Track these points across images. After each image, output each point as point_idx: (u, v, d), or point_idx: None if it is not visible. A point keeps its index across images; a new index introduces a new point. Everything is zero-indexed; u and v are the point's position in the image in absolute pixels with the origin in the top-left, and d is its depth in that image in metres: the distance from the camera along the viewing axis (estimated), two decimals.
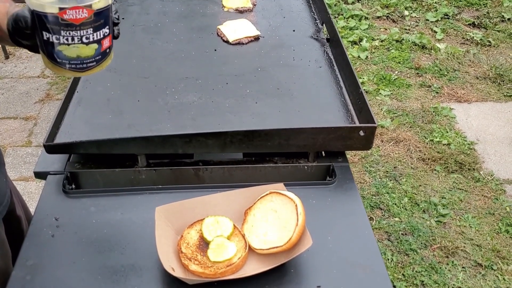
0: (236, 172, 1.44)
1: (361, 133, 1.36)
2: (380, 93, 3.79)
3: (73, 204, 1.29)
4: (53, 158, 1.40)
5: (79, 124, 1.47)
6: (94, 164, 1.42)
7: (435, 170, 3.18)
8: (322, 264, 1.18)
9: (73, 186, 1.38)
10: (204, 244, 1.18)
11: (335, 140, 1.38)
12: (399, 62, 4.16)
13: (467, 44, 4.42)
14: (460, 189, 3.05)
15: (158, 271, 1.14)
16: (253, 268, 1.14)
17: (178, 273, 1.08)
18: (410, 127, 3.50)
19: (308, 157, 1.43)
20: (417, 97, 3.82)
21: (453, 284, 2.47)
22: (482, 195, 2.99)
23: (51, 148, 1.36)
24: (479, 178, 3.10)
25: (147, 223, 1.19)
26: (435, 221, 2.81)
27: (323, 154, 1.47)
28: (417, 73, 4.04)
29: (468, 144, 3.37)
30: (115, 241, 1.20)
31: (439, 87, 3.89)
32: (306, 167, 1.44)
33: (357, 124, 1.47)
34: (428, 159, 3.24)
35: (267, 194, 1.22)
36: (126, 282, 1.11)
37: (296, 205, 1.16)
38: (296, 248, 1.15)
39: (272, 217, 1.20)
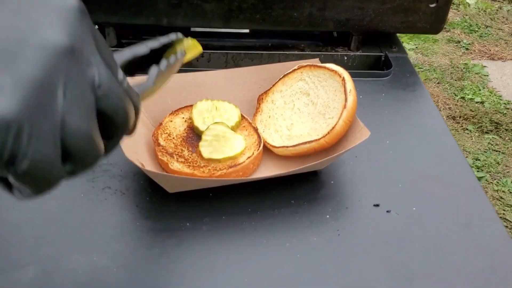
0: (245, 62, 1.00)
1: (432, 3, 0.92)
2: (404, 47, 3.34)
3: None
4: None
5: None
6: None
7: (467, 129, 2.75)
8: (378, 175, 0.75)
9: None
10: (194, 137, 0.75)
11: (392, 14, 0.94)
12: None
13: (499, 0, 3.98)
14: (497, 150, 2.62)
15: (120, 171, 0.71)
16: (270, 173, 0.71)
17: (149, 168, 0.64)
18: (438, 83, 3.06)
19: (350, 43, 0.99)
20: (445, 52, 3.38)
21: None
22: None
23: None
24: None
25: None
26: None
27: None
28: (444, 28, 3.59)
29: (504, 103, 2.94)
30: None
31: (469, 43, 3.45)
32: (346, 57, 1.00)
33: None
34: (459, 117, 2.81)
35: (293, 71, 0.79)
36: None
37: (343, 79, 0.72)
38: (342, 144, 0.72)
39: (302, 103, 0.76)
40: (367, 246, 0.64)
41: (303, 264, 0.61)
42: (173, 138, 0.73)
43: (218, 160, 0.69)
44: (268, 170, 0.73)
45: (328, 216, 0.68)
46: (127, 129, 0.39)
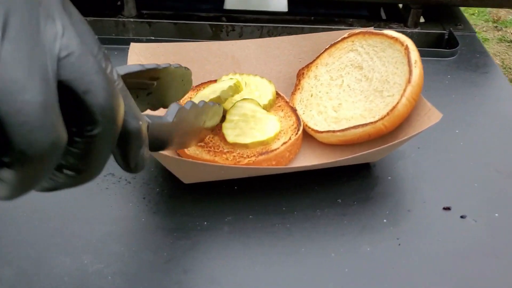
0: None
1: None
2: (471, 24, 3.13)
3: None
4: None
5: None
6: None
7: None
8: (448, 171, 0.59)
9: None
10: None
11: None
12: (473, 14, 3.48)
13: None
14: None
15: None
16: (311, 163, 0.56)
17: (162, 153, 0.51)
18: None
19: (407, 18, 0.84)
20: (496, 52, 3.15)
21: None
22: None
23: None
24: None
25: None
26: None
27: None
28: (496, 27, 3.36)
29: None
30: None
31: None
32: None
33: None
34: None
35: (343, 40, 0.64)
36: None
37: (406, 48, 0.57)
38: (404, 130, 0.56)
39: (353, 78, 0.61)
40: (434, 259, 0.49)
41: (352, 280, 0.46)
42: None
43: (246, 145, 0.55)
44: (308, 160, 0.59)
45: (385, 220, 0.53)
46: (111, 132, 0.24)
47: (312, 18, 0.89)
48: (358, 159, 0.54)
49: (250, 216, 0.52)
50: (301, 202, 0.54)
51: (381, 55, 0.60)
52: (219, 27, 0.86)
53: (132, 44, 0.62)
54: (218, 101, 0.55)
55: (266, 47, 0.68)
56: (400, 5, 0.96)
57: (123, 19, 0.86)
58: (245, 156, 0.55)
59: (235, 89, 0.56)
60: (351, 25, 0.87)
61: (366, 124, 0.55)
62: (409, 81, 0.55)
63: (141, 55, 0.62)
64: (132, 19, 0.86)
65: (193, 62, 0.65)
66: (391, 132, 0.56)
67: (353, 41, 0.63)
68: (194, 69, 0.65)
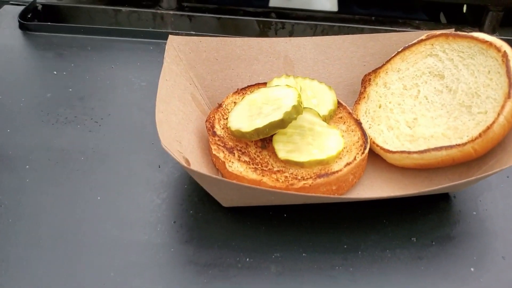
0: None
1: None
2: None
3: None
4: None
5: None
6: None
7: None
8: None
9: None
10: None
11: None
12: None
13: None
14: None
15: (158, 167, 0.49)
16: (378, 191, 0.46)
17: (197, 168, 0.41)
18: None
19: (483, 22, 0.72)
20: None
21: None
22: None
23: None
24: None
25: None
26: None
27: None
28: None
29: None
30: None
31: None
32: None
33: None
34: None
35: (420, 42, 0.53)
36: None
37: (504, 55, 0.46)
38: (496, 155, 0.46)
39: (432, 89, 0.51)
40: None
41: None
42: None
43: (301, 164, 0.45)
44: (375, 186, 0.48)
45: (472, 269, 0.42)
46: None
47: (373, 18, 0.78)
48: (438, 190, 0.43)
49: (304, 254, 0.42)
50: (366, 239, 0.44)
51: (468, 63, 0.49)
52: (267, 24, 0.76)
53: (170, 36, 0.53)
54: (281, 125, 0.45)
55: (326, 47, 0.58)
56: (464, 8, 0.85)
57: (162, 11, 0.77)
58: (299, 177, 0.45)
59: (299, 108, 0.46)
60: (417, 27, 0.76)
61: (451, 147, 0.45)
62: (509, 95, 0.44)
63: (180, 50, 0.53)
64: (171, 12, 0.77)
65: (240, 60, 0.56)
66: (481, 156, 0.46)
67: (432, 44, 0.52)
68: (240, 69, 0.55)
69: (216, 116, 0.50)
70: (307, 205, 0.45)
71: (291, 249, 0.43)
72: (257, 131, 0.45)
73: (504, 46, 0.47)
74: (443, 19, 0.89)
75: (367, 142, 0.48)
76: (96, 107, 0.57)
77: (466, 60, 0.49)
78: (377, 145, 0.50)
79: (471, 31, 0.71)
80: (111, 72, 0.63)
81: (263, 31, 0.77)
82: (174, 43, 0.52)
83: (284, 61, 0.58)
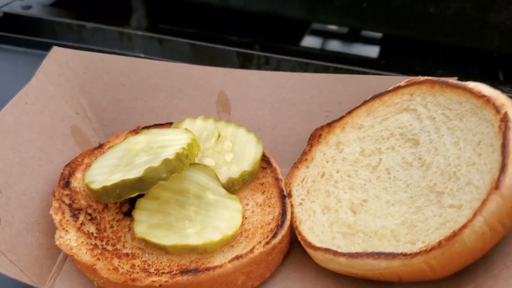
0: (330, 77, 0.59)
1: None
2: None
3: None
4: None
5: None
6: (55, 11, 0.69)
7: None
8: None
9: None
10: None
11: None
12: None
13: None
14: None
15: None
16: None
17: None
18: None
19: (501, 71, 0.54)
20: None
21: None
22: None
23: None
24: None
25: None
26: None
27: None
28: None
29: None
30: None
31: None
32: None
33: None
34: None
35: (396, 90, 0.36)
36: None
37: (503, 119, 0.28)
38: (478, 279, 0.27)
39: (399, 159, 0.34)
40: None
41: None
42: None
43: (163, 248, 0.30)
44: None
45: None
46: None
47: (383, 61, 0.62)
48: None
49: None
50: None
51: (454, 126, 0.32)
52: (248, 57, 0.62)
53: (55, 48, 0.40)
54: (140, 187, 0.30)
55: (277, 86, 0.42)
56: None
57: (130, 30, 0.66)
58: (152, 269, 0.29)
59: (180, 160, 0.31)
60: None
61: (393, 256, 0.28)
62: (496, 186, 0.26)
63: (69, 67, 0.40)
64: (140, 32, 0.65)
65: (157, 90, 0.42)
66: (442, 277, 0.28)
67: (412, 95, 0.36)
68: (156, 102, 0.41)
69: (85, 161, 0.36)
70: None
71: None
72: (105, 190, 0.31)
73: (508, 105, 0.30)
74: (501, 76, 0.69)
75: (282, 226, 0.32)
76: None
77: (452, 122, 0.32)
78: (299, 233, 0.33)
79: (507, 87, 0.53)
80: None
81: (244, 65, 0.63)
82: (60, 57, 0.40)
83: (219, 99, 0.43)
